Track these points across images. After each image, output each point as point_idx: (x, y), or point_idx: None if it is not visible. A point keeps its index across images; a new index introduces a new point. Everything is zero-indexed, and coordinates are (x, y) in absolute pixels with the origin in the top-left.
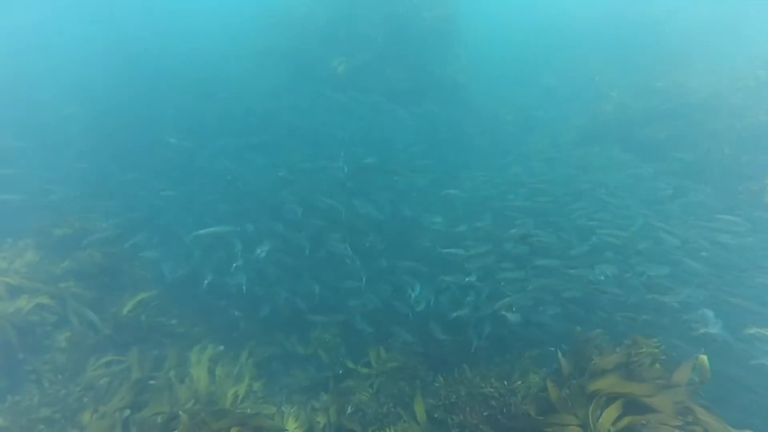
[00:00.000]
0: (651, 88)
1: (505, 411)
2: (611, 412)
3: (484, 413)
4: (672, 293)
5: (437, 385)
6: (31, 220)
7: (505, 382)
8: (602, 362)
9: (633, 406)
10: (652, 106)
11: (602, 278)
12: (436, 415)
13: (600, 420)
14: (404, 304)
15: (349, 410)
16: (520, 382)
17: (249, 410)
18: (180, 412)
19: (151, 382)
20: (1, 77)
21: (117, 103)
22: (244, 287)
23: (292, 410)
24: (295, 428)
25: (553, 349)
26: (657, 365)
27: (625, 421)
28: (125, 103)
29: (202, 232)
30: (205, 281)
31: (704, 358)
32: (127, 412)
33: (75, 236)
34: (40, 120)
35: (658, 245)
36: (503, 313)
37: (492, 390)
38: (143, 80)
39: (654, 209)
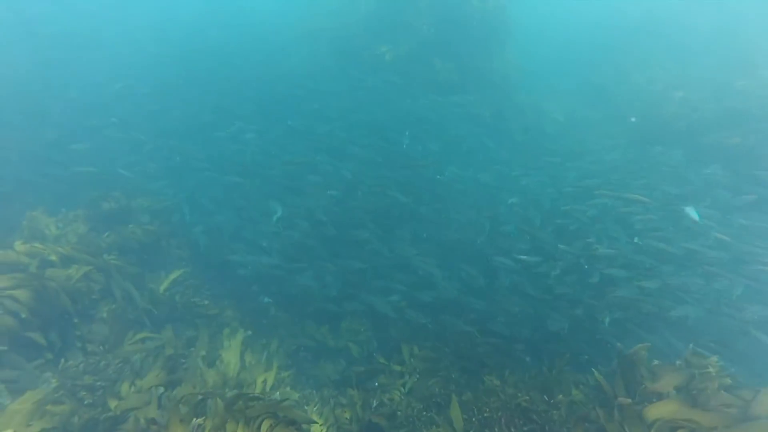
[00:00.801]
0: (724, 88)
1: (547, 429)
2: None
3: (525, 428)
4: (745, 311)
5: (471, 393)
6: (87, 193)
7: (545, 396)
8: (658, 384)
9: None
10: (724, 108)
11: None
12: (473, 420)
13: None
14: (451, 305)
15: (375, 404)
16: (561, 396)
17: (279, 399)
18: (217, 399)
19: (183, 361)
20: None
21: (167, 85)
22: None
23: (319, 403)
24: (321, 424)
25: (586, 357)
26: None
27: None
28: (173, 86)
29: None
30: (239, 264)
31: None
32: (161, 389)
33: (120, 211)
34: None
35: (729, 257)
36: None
37: (530, 403)
38: (191, 64)
39: (725, 219)
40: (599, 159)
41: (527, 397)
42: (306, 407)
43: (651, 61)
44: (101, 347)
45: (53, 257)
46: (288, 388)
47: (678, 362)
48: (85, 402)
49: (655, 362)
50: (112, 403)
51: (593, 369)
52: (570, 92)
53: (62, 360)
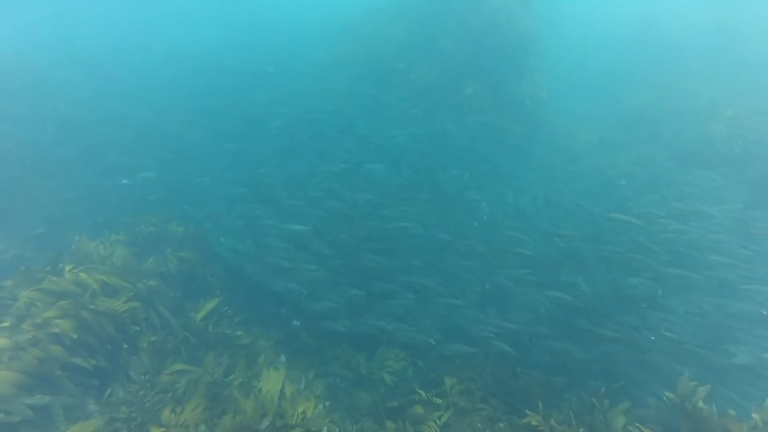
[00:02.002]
0: None
1: None
2: None
3: None
4: None
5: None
6: (125, 215)
7: None
8: None
9: None
10: None
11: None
12: None
13: None
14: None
15: None
16: None
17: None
18: None
19: (224, 391)
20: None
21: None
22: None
23: None
24: None
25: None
26: None
27: None
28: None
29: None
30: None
31: None
32: (203, 427)
33: (158, 236)
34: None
35: None
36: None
37: None
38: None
39: None
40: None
41: None
42: None
43: (694, 77)
44: (143, 377)
45: (95, 286)
46: (328, 420)
47: (754, 415)
48: None
49: (730, 412)
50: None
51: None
52: (603, 114)
53: (108, 390)
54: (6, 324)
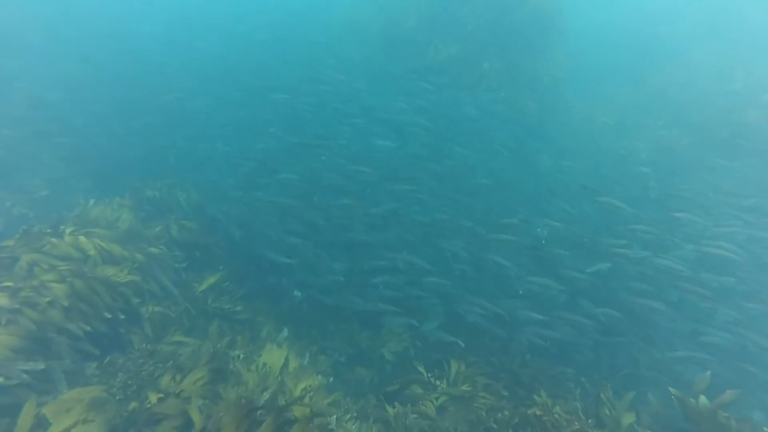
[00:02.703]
0: None
1: None
2: None
3: None
4: None
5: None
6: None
7: None
8: None
9: None
10: None
11: None
12: None
13: None
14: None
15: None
16: None
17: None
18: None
19: (226, 365)
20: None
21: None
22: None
23: (356, 414)
24: None
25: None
26: None
27: None
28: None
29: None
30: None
31: None
32: (200, 401)
33: (163, 202)
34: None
35: None
36: None
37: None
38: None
39: None
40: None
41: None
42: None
43: (726, 58)
44: (145, 345)
45: (93, 251)
46: (327, 399)
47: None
48: (117, 398)
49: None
50: (153, 397)
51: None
52: (621, 96)
53: (108, 357)
54: (9, 284)
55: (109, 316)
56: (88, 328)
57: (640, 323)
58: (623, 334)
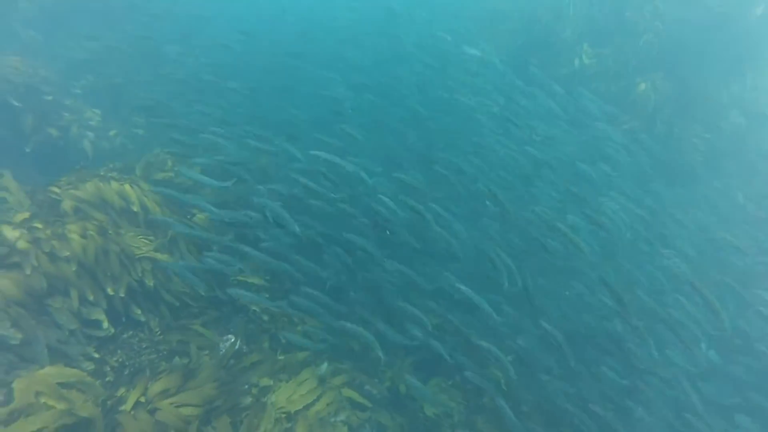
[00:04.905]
0: None
1: None
2: None
3: None
4: None
5: None
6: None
7: None
8: None
9: None
10: None
11: None
12: None
13: None
14: None
15: None
16: None
17: None
18: None
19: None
20: None
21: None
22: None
23: None
24: None
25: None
26: None
27: None
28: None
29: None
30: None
31: None
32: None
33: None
34: None
35: None
36: None
37: None
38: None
39: None
40: None
41: None
42: None
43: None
44: (156, 330)
45: (137, 206)
46: None
47: None
48: (107, 379)
49: None
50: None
51: None
52: None
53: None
54: (38, 225)
55: (119, 289)
56: (91, 297)
57: None
58: None
